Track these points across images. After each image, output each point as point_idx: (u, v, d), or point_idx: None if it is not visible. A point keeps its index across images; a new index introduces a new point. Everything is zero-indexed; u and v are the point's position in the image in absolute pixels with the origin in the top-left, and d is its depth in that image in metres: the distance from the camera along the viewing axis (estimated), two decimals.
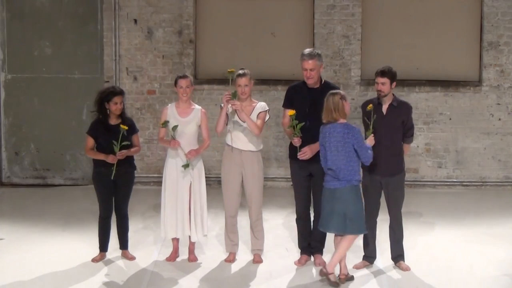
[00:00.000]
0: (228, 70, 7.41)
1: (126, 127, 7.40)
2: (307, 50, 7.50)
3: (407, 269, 7.37)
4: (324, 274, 6.96)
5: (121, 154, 7.40)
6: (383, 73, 7.29)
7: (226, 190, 7.59)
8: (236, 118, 7.43)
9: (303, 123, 7.19)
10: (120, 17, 11.24)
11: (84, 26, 11.36)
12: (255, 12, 11.36)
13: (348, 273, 7.08)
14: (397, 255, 7.46)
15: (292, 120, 7.20)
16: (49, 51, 11.38)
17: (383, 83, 7.28)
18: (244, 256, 7.75)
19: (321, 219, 7.05)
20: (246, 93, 7.45)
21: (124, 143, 7.38)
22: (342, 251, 6.94)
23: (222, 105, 7.42)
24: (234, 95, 7.34)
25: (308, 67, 7.34)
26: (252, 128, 7.37)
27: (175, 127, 7.40)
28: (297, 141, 7.28)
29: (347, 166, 6.86)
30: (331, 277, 6.90)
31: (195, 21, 11.33)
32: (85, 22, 11.35)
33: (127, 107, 7.78)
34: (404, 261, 7.45)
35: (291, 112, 7.22)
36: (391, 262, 7.50)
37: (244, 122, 7.40)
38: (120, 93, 7.56)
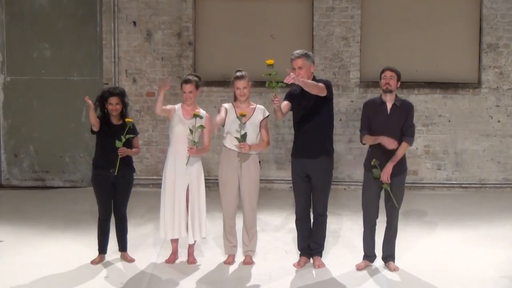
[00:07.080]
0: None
1: (131, 120, 7.47)
2: (295, 51, 7.50)
3: (395, 269, 7.36)
4: None
5: (123, 151, 7.41)
6: (391, 68, 7.34)
7: (224, 192, 7.59)
8: (247, 125, 7.41)
9: (283, 81, 6.90)
10: (119, 19, 11.25)
11: (83, 28, 11.36)
12: (255, 14, 11.36)
13: None
14: (387, 255, 7.46)
15: (272, 69, 6.89)
16: (48, 53, 11.39)
17: (392, 77, 7.27)
18: (243, 258, 7.74)
19: None
20: (245, 95, 7.46)
21: (128, 136, 7.41)
22: None
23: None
24: (244, 138, 7.33)
25: (296, 66, 7.31)
26: (263, 148, 7.60)
27: (201, 126, 7.38)
28: (276, 101, 7.03)
29: None
30: None
31: (194, 23, 11.33)
32: (84, 24, 11.36)
33: None
34: (394, 261, 7.44)
35: (269, 61, 6.97)
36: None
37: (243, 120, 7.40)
38: (117, 94, 7.56)
